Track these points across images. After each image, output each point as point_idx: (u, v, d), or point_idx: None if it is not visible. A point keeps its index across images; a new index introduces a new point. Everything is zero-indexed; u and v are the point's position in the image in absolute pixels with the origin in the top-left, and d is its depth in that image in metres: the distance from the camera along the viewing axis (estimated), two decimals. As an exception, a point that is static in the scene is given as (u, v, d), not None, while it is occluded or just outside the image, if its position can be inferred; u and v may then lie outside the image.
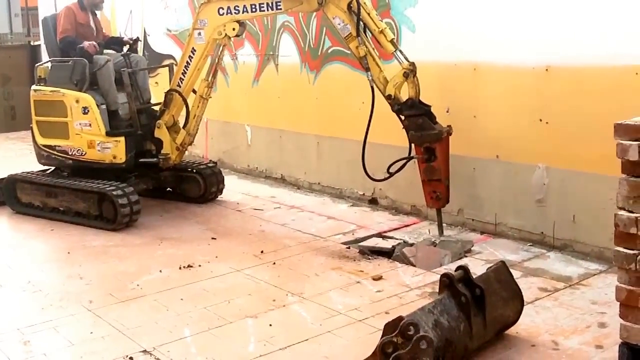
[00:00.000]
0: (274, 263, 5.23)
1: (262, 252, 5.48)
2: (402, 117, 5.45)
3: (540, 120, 5.29)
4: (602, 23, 4.82)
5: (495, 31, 5.48)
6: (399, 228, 6.02)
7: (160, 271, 5.14)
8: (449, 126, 5.48)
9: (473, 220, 5.89)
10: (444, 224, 5.73)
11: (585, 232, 5.11)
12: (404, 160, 5.58)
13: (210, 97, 6.56)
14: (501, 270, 3.90)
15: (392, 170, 5.61)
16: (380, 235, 5.82)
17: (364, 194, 6.87)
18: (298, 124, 7.52)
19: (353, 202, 6.92)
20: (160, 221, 6.47)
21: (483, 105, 5.68)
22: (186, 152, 6.86)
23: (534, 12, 5.22)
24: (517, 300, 3.87)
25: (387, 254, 5.34)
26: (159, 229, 6.23)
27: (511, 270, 4.04)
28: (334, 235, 5.88)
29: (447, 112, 5.82)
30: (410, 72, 5.33)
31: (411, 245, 5.43)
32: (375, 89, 5.47)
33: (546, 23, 5.15)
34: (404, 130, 5.48)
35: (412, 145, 5.50)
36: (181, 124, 6.64)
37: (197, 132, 6.67)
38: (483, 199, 5.80)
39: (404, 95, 5.44)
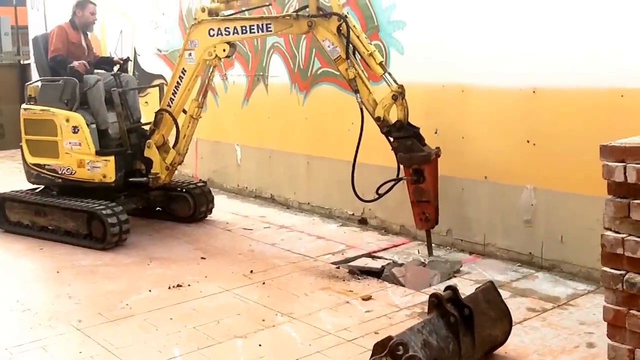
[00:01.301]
0: (264, 283, 5.22)
1: (251, 271, 5.47)
2: (391, 139, 5.46)
3: (528, 141, 5.31)
4: (588, 46, 4.85)
5: (483, 53, 5.51)
6: (388, 248, 6.02)
7: (150, 291, 5.11)
8: (438, 148, 5.49)
9: (462, 240, 5.91)
10: (433, 245, 5.74)
11: (573, 252, 5.12)
12: (393, 182, 5.58)
13: (201, 117, 6.57)
14: (490, 291, 3.91)
15: (381, 191, 5.61)
16: (369, 255, 5.82)
17: (353, 214, 6.87)
18: (288, 144, 7.53)
19: (342, 222, 6.93)
20: (150, 241, 6.45)
21: (471, 126, 5.70)
22: (176, 172, 6.85)
23: (521, 35, 5.25)
24: (505, 321, 3.87)
25: (376, 274, 5.33)
26: (149, 248, 6.21)
27: (500, 290, 4.04)
28: (323, 255, 5.88)
29: (436, 133, 5.85)
30: (399, 95, 5.36)
31: (400, 265, 5.43)
32: (365, 111, 5.48)
33: (533, 46, 5.18)
34: (393, 151, 5.49)
35: (401, 166, 5.50)
36: (171, 144, 6.64)
37: (187, 152, 6.67)
38: (472, 219, 5.81)
39: (393, 117, 5.45)
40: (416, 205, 5.50)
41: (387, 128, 5.44)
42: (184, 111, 6.54)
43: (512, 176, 5.46)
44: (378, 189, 5.61)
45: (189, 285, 5.20)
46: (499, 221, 5.62)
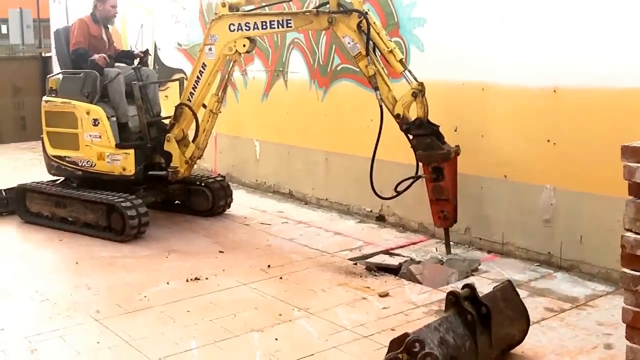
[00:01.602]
0: (281, 278, 5.22)
1: (269, 266, 5.48)
2: (411, 137, 5.46)
3: (548, 141, 5.30)
4: (610, 45, 4.83)
5: (504, 51, 5.50)
6: (406, 245, 6.02)
7: (168, 283, 5.14)
8: (457, 146, 5.48)
9: (480, 239, 5.89)
10: (451, 243, 5.73)
11: (592, 253, 5.10)
12: (412, 179, 5.58)
13: (220, 112, 6.58)
14: (508, 290, 3.90)
15: (399, 189, 5.62)
16: (387, 252, 5.82)
17: (371, 210, 6.86)
18: (306, 140, 7.53)
19: (360, 218, 6.92)
20: (168, 234, 6.48)
21: (491, 125, 5.70)
22: (195, 166, 6.86)
23: (543, 33, 5.23)
24: (523, 320, 3.87)
25: (393, 271, 5.33)
26: (167, 241, 6.24)
27: (518, 289, 4.03)
28: (341, 251, 5.88)
29: (455, 131, 5.83)
30: (419, 92, 5.36)
31: (418, 262, 5.42)
32: (384, 108, 5.48)
33: (554, 45, 5.17)
34: (412, 149, 5.49)
35: (420, 164, 5.50)
36: (190, 138, 6.65)
37: (206, 146, 6.68)
38: (490, 218, 5.79)
39: (413, 114, 5.45)
40: (435, 203, 5.49)
41: (406, 125, 5.43)
42: (204, 106, 6.55)
43: (532, 175, 5.44)
44: (397, 186, 5.61)
45: (206, 278, 5.21)
46: (518, 220, 5.60)
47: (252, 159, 8.36)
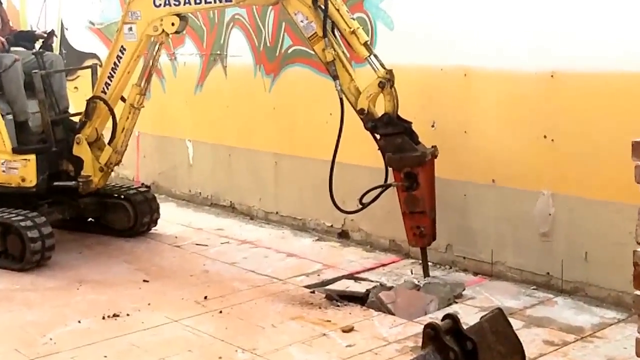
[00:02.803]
0: (221, 312, 5.20)
1: (205, 297, 5.45)
2: (378, 136, 5.50)
3: (545, 137, 5.34)
4: (621, 19, 4.82)
5: (490, 29, 5.51)
6: (374, 268, 6.05)
7: (79, 322, 5.05)
8: (434, 147, 5.52)
9: (464, 258, 5.93)
10: (429, 264, 5.76)
11: (599, 272, 5.14)
12: (380, 189, 5.62)
13: (143, 107, 6.55)
14: (498, 320, 3.88)
15: (365, 200, 5.65)
16: (351, 276, 5.84)
17: (332, 225, 6.90)
18: (251, 140, 7.53)
19: (319, 235, 6.96)
20: (80, 259, 6.42)
21: (476, 118, 5.72)
22: (112, 174, 6.84)
23: (537, 7, 5.25)
24: (517, 356, 3.88)
25: (359, 299, 5.34)
26: (78, 269, 6.17)
27: (510, 319, 3.80)
28: (294, 277, 5.89)
29: (433, 127, 5.88)
30: (387, 82, 5.38)
31: (389, 289, 5.44)
32: (345, 100, 5.50)
33: (552, 20, 5.18)
34: (379, 151, 5.53)
35: (390, 169, 5.53)
36: (107, 139, 6.61)
37: (126, 149, 6.64)
38: (476, 232, 5.84)
39: (380, 109, 5.47)
40: (409, 217, 5.53)
41: (372, 123, 5.46)
42: (123, 99, 6.51)
43: (526, 179, 5.48)
44: (362, 197, 5.65)
45: (127, 314, 5.16)
46: (509, 234, 5.65)
47: (183, 165, 8.34)
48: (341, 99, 5.49)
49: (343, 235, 6.82)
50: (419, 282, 5.59)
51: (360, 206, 5.69)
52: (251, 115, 7.49)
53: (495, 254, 5.76)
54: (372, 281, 5.68)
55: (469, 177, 5.80)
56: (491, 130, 5.66)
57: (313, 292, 5.55)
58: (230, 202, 7.90)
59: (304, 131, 7.01)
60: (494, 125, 5.64)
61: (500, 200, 5.67)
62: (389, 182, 5.57)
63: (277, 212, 7.42)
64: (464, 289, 5.47)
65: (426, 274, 5.70)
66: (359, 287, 5.53)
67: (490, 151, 5.67)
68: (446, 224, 5.79)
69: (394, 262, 6.19)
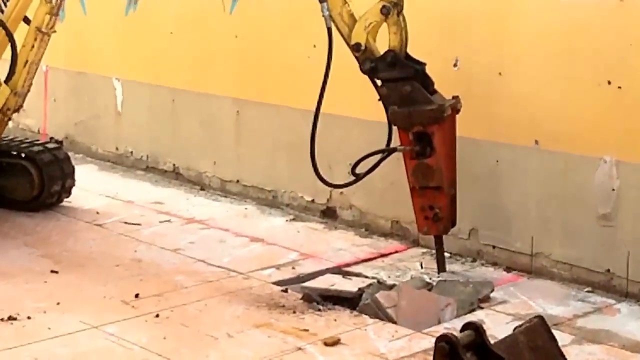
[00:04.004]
0: (157, 315, 5.16)
1: (137, 296, 5.41)
2: (378, 82, 5.52)
3: (609, 82, 5.32)
4: None
5: None
6: (370, 259, 6.06)
7: (-41, 327, 4.91)
8: (456, 97, 5.54)
9: (494, 247, 5.95)
10: (446, 255, 5.81)
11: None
12: (381, 155, 5.67)
13: (55, 32, 6.51)
14: (538, 332, 3.83)
15: (359, 171, 5.70)
16: (339, 270, 5.85)
17: (313, 200, 6.93)
18: (204, 81, 7.54)
19: (295, 213, 7.00)
20: (-39, 241, 6.31)
21: (514, 56, 5.70)
22: (10, 124, 6.83)
23: None
24: (562, 382, 3.93)
25: (349, 301, 5.33)
26: (-39, 254, 6.05)
27: (555, 331, 3.90)
28: (260, 270, 5.87)
29: (455, 67, 5.91)
30: (393, 7, 5.39)
31: (390, 288, 5.42)
32: (335, 31, 5.50)
33: None
34: (381, 103, 5.56)
35: (395, 128, 5.56)
36: (3, 77, 6.54)
37: (29, 90, 6.61)
38: (512, 213, 5.85)
39: (382, 44, 5.46)
40: (419, 194, 5.57)
41: (370, 63, 5.47)
42: (26, 20, 6.48)
43: (582, 141, 5.48)
44: (355, 166, 5.68)
45: (28, 317, 5.06)
46: (556, 216, 5.65)
47: (109, 113, 8.37)
48: (329, 29, 5.48)
49: (328, 214, 6.85)
50: (431, 279, 5.61)
51: (353, 177, 5.73)
52: (204, 46, 7.50)
53: (537, 243, 5.75)
54: (366, 277, 5.67)
55: (503, 137, 5.80)
56: (535, 72, 5.63)
57: (286, 290, 5.52)
58: (174, 165, 7.93)
59: (277, 69, 6.99)
60: (538, 66, 5.62)
61: (544, 169, 5.67)
62: (392, 145, 5.62)
63: (238, 181, 7.44)
64: (492, 290, 5.46)
65: (441, 268, 5.73)
66: (349, 286, 5.52)
67: (532, 101, 5.66)
68: (471, 201, 5.82)
69: (397, 251, 6.21)
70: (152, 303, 5.32)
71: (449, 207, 5.58)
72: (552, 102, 5.60)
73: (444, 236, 5.72)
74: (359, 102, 6.12)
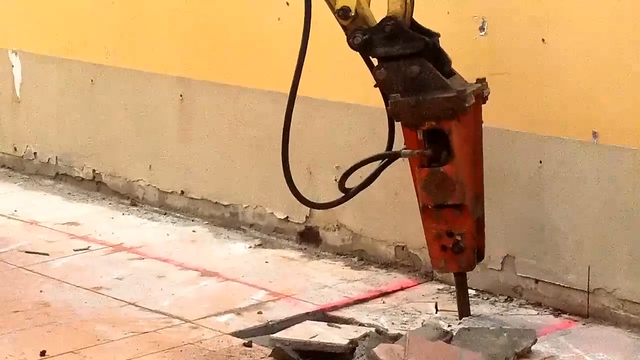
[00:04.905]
0: (73, 384, 5.05)
1: (42, 353, 5.34)
2: (374, 61, 5.52)
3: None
4: None
5: None
6: (366, 299, 6.03)
7: None
8: (482, 80, 5.52)
9: (537, 281, 5.87)
10: (471, 293, 5.82)
11: None
12: (380, 162, 5.76)
13: None
14: None
15: (350, 185, 5.75)
16: (323, 315, 5.86)
17: (287, 218, 6.92)
18: (135, 53, 7.67)
19: (262, 237, 7.02)
20: None
21: (564, 14, 5.62)
22: None
23: None
24: None
25: (336, 358, 5.36)
26: None
27: None
28: (214, 316, 5.83)
29: (482, 31, 5.84)
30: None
31: (394, 339, 5.35)
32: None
33: None
34: (378, 89, 5.56)
35: (397, 125, 5.56)
36: None
37: None
38: (561, 233, 5.76)
39: (379, 11, 5.46)
40: (433, 215, 5.53)
41: (363, 35, 5.45)
42: None
43: None
44: (343, 178, 5.68)
45: None
46: (622, 237, 5.54)
47: (4, 99, 8.61)
48: None
49: (308, 238, 6.87)
50: (450, 326, 5.56)
51: (343, 194, 5.77)
52: (136, 4, 7.57)
53: (596, 276, 5.64)
54: (361, 325, 5.65)
55: (549, 129, 5.73)
56: (590, 43, 5.55)
57: (249, 344, 5.48)
58: (94, 171, 8.01)
59: (237, 37, 7.03)
60: (599, 28, 5.51)
61: (606, 173, 5.57)
62: (395, 148, 5.65)
63: (182, 193, 7.50)
64: (535, 341, 5.38)
65: (464, 312, 5.68)
66: (337, 337, 5.47)
67: (590, 78, 5.56)
68: (505, 218, 5.85)
69: (403, 288, 6.19)
70: (64, 365, 5.08)
71: (475, 234, 5.55)
72: (618, 79, 5.49)
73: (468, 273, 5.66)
74: (350, 82, 6.12)
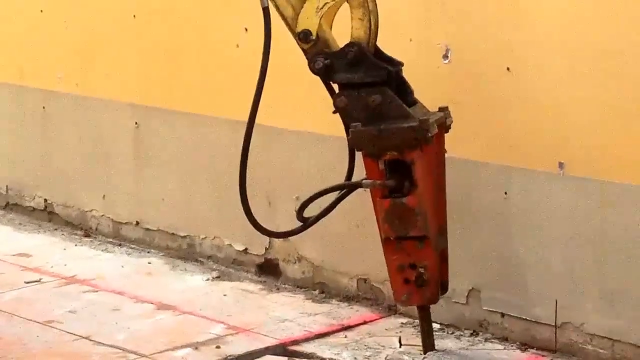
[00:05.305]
0: None
1: None
2: (335, 88, 5.51)
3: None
4: None
5: None
6: (328, 334, 6.00)
7: None
8: (445, 109, 5.52)
9: (503, 315, 5.84)
10: (435, 326, 5.78)
11: None
12: (339, 192, 5.74)
13: None
14: None
15: (308, 214, 5.76)
16: (283, 350, 5.85)
17: (246, 250, 6.91)
18: (89, 79, 7.62)
19: (220, 269, 7.00)
20: None
21: (529, 43, 5.61)
22: None
23: None
24: None
25: None
26: None
27: None
28: (170, 351, 5.80)
29: (446, 59, 5.82)
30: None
31: None
32: (274, 12, 5.53)
33: None
34: (339, 117, 5.52)
35: (359, 154, 5.54)
36: None
37: None
38: (527, 266, 5.73)
39: (341, 35, 5.44)
40: (395, 248, 5.49)
41: (325, 60, 5.43)
42: None
43: (627, 163, 5.36)
44: (302, 207, 5.69)
45: None
46: (590, 270, 5.53)
47: None
48: (265, 9, 5.50)
49: (267, 270, 6.85)
50: None
51: (302, 223, 5.76)
52: (89, 29, 7.57)
53: (564, 309, 5.61)
54: (323, 359, 5.65)
55: (514, 159, 5.70)
56: (559, 65, 5.52)
57: None
58: (45, 201, 8.01)
59: (194, 63, 7.01)
60: (564, 56, 5.50)
61: (574, 204, 5.54)
62: (355, 179, 5.62)
63: (137, 223, 7.48)
64: None
65: (429, 346, 5.63)
66: None
67: (555, 107, 5.56)
68: (470, 250, 5.83)
69: (365, 322, 6.15)
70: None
71: (439, 266, 5.51)
72: (584, 110, 5.52)
73: (431, 307, 5.68)
74: (310, 110, 6.16)
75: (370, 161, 5.40)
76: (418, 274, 5.41)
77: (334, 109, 5.49)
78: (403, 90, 5.43)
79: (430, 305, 5.60)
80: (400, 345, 5.76)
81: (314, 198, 5.64)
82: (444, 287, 5.57)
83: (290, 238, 6.42)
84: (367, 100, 5.35)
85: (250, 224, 5.75)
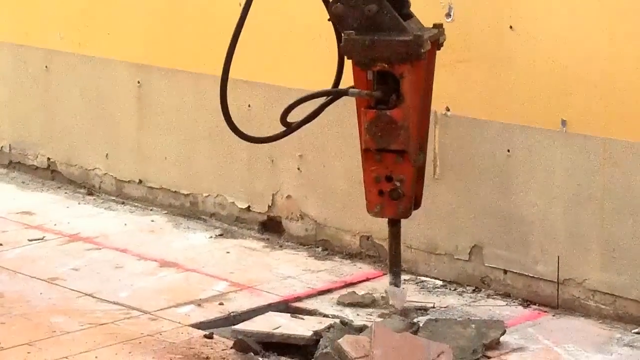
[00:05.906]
0: (25, 375, 4.98)
1: None
2: None
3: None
4: None
5: None
6: (331, 290, 6.04)
7: None
8: (439, 26, 5.56)
9: (505, 272, 5.89)
10: (438, 282, 5.97)
11: None
12: (327, 97, 5.76)
13: None
14: None
15: (292, 119, 5.77)
16: (286, 307, 5.85)
17: (249, 208, 6.94)
18: (91, 38, 7.63)
19: (223, 227, 7.04)
20: None
21: (532, 5, 5.67)
22: None
23: None
24: None
25: (301, 351, 5.35)
26: None
27: None
28: (174, 307, 5.82)
29: (449, 17, 5.87)
30: None
31: (359, 330, 5.39)
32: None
33: None
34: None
35: (348, 63, 5.55)
36: None
37: None
38: (529, 223, 5.79)
39: None
40: (374, 159, 5.53)
41: None
42: None
43: (630, 120, 5.40)
44: (285, 111, 5.70)
45: None
46: (592, 227, 5.58)
47: None
48: None
49: (270, 228, 6.88)
50: (415, 317, 5.59)
51: (285, 128, 5.79)
52: None
53: (566, 266, 5.67)
54: (325, 316, 5.66)
55: (517, 117, 5.76)
56: (562, 23, 5.56)
57: (210, 336, 5.47)
58: (48, 160, 8.01)
59: (196, 23, 7.04)
60: (567, 13, 5.53)
61: (576, 161, 5.60)
62: (344, 87, 5.65)
63: (140, 182, 7.50)
64: (504, 332, 5.39)
65: (395, 265, 5.73)
66: (300, 328, 5.48)
67: (558, 65, 5.59)
68: (472, 207, 5.89)
69: (368, 279, 6.18)
70: (19, 356, 5.23)
71: (415, 181, 5.56)
72: (587, 67, 5.50)
73: (403, 227, 5.76)
74: (314, 69, 6.24)
75: (359, 70, 5.45)
76: (393, 187, 5.50)
77: (328, 18, 5.53)
78: (400, 2, 5.46)
79: (402, 222, 5.69)
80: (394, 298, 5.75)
81: (299, 102, 5.68)
82: (417, 203, 5.64)
83: (293, 196, 6.56)
84: (362, 9, 5.37)
85: (229, 128, 5.81)
